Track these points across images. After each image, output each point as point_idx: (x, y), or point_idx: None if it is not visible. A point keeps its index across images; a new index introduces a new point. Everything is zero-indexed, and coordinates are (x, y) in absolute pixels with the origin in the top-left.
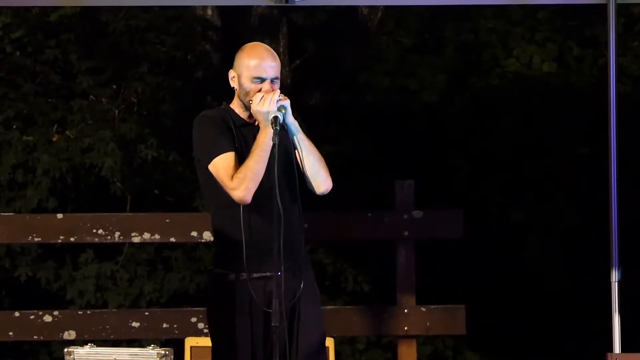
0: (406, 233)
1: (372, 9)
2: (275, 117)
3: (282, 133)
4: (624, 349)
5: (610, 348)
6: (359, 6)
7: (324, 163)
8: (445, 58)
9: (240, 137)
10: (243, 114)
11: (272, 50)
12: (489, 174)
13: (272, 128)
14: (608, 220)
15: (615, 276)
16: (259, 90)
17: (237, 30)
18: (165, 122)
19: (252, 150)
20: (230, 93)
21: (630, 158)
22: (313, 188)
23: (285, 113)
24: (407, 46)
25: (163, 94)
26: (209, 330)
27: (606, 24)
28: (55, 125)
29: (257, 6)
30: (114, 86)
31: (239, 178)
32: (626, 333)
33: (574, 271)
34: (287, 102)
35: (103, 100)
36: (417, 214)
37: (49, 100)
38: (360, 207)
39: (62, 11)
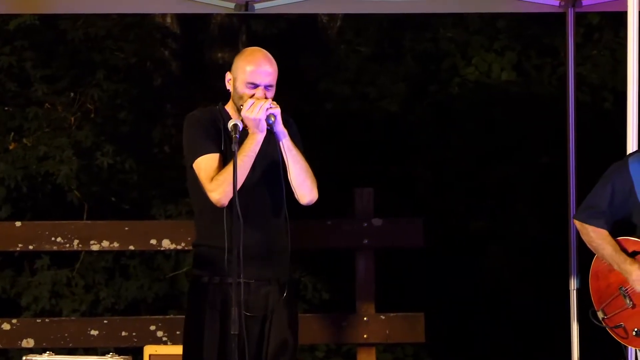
0: (366, 241)
1: (332, 17)
2: (235, 125)
3: (271, 141)
4: (583, 356)
5: (569, 356)
6: (318, 15)
7: (311, 174)
8: (405, 67)
9: (227, 139)
10: (235, 116)
11: (270, 57)
12: (449, 182)
13: (232, 136)
14: (567, 228)
15: (573, 284)
16: (252, 96)
17: (197, 38)
18: (123, 129)
19: (237, 154)
20: (188, 100)
21: (589, 167)
22: (298, 198)
23: (274, 121)
24: (366, 55)
25: (120, 101)
26: (184, 330)
27: (565, 33)
28: (12, 134)
29: (217, 14)
30: (71, 94)
31: (218, 180)
32: (586, 341)
33: (535, 280)
34: (277, 111)
35: (59, 107)
36: (377, 222)
37: (5, 108)
38: (319, 215)
39: (21, 19)
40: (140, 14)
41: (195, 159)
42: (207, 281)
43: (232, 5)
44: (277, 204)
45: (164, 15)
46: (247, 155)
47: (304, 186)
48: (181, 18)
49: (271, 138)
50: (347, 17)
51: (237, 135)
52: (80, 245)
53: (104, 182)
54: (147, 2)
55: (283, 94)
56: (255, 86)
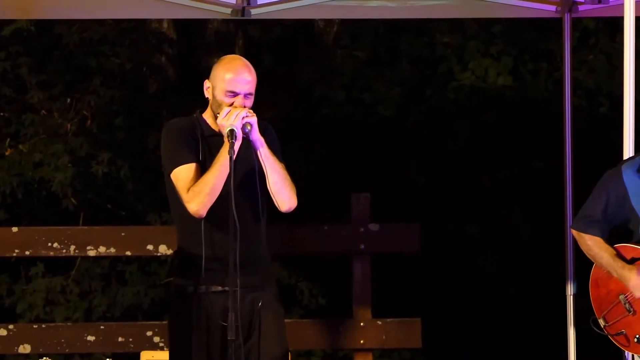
0: (362, 246)
1: (328, 23)
2: (232, 131)
3: (248, 148)
4: None
5: None
6: (315, 20)
7: (289, 181)
8: (401, 72)
9: (206, 148)
10: (213, 125)
11: (250, 65)
12: (445, 187)
13: (229, 141)
14: (563, 234)
15: (570, 289)
16: (231, 104)
17: (193, 43)
18: (118, 135)
19: (213, 164)
20: (184, 106)
21: (585, 172)
22: (277, 205)
23: (250, 130)
24: (362, 60)
25: (117, 108)
26: (168, 343)
27: (561, 38)
28: (8, 140)
29: (213, 20)
30: (67, 99)
31: (194, 191)
32: (582, 346)
33: (531, 284)
34: (253, 119)
35: (55, 114)
36: (374, 227)
37: (1, 114)
38: (316, 220)
39: (16, 24)
40: (136, 19)
41: (173, 169)
42: (192, 291)
43: (228, 10)
44: (255, 210)
45: (160, 21)
46: (222, 164)
47: (282, 194)
48: (177, 24)
49: (248, 145)
50: (344, 22)
51: (234, 141)
52: (77, 251)
53: (99, 189)
54: (142, 8)
55: (279, 99)
56: (235, 94)
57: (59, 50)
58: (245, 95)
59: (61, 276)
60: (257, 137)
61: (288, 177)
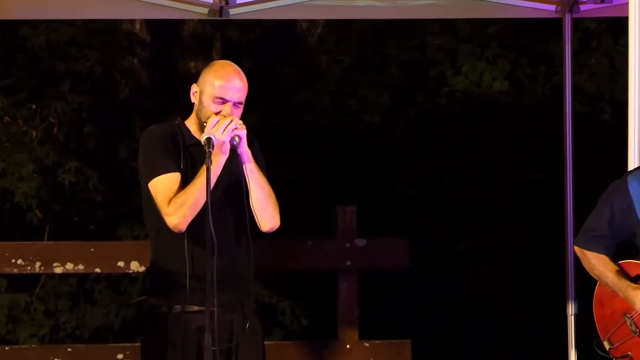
0: (348, 263)
1: (312, 24)
2: (209, 139)
3: (234, 160)
4: None
5: None
6: (297, 21)
7: (274, 200)
8: (389, 76)
9: (187, 157)
10: (196, 133)
11: (242, 73)
12: (436, 199)
13: (206, 150)
14: (564, 250)
15: (571, 309)
16: (218, 112)
17: (168, 45)
18: (88, 144)
19: (196, 176)
20: (158, 112)
21: (586, 183)
22: (259, 224)
23: (239, 142)
24: (348, 64)
25: (85, 114)
26: None
27: (561, 40)
28: None
29: (189, 20)
30: (32, 106)
31: (176, 204)
32: None
33: (528, 303)
34: (242, 132)
35: (19, 121)
36: (360, 242)
37: None
38: (299, 234)
39: None
40: (107, 19)
41: (152, 178)
42: (166, 311)
43: (205, 10)
44: (240, 226)
45: (132, 21)
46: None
47: (265, 212)
48: (151, 24)
49: (235, 157)
50: (329, 23)
51: (211, 150)
52: (42, 268)
53: (66, 200)
54: (113, 8)
55: (259, 104)
56: (224, 101)
57: (24, 53)
58: (235, 104)
59: (25, 293)
60: (244, 150)
61: (273, 195)
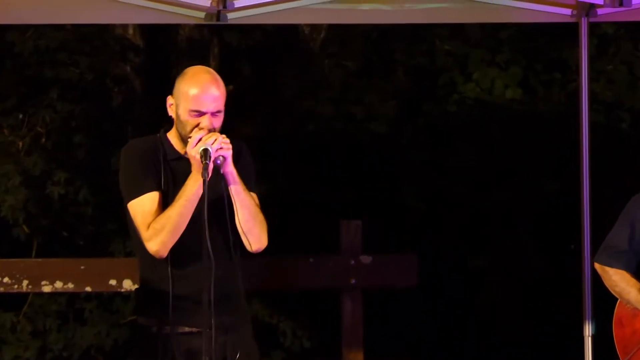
0: (353, 281)
1: (314, 28)
2: (205, 150)
3: (218, 176)
4: None
5: None
6: (299, 25)
7: (261, 219)
8: (396, 83)
9: (169, 173)
10: (179, 146)
11: (217, 78)
12: (445, 213)
13: (202, 162)
14: (581, 267)
15: (588, 330)
16: (197, 125)
17: (162, 51)
18: (77, 155)
19: (177, 198)
20: (152, 121)
21: (604, 195)
22: (246, 245)
23: (223, 162)
24: (352, 70)
25: (75, 124)
26: None
27: (577, 45)
28: None
29: (185, 25)
30: (20, 115)
31: (155, 229)
32: None
33: (543, 324)
34: (228, 153)
35: (6, 130)
36: (366, 259)
37: None
38: (301, 251)
39: None
40: (98, 24)
41: (130, 200)
42: (155, 331)
43: (202, 14)
44: (228, 245)
45: (125, 26)
46: (188, 199)
47: (251, 233)
48: (144, 29)
49: (218, 173)
50: (332, 27)
51: (209, 162)
52: (30, 287)
53: (55, 214)
54: (105, 12)
55: (259, 113)
56: (201, 114)
57: (11, 59)
58: (213, 114)
59: (12, 312)
60: (229, 170)
61: (260, 214)
